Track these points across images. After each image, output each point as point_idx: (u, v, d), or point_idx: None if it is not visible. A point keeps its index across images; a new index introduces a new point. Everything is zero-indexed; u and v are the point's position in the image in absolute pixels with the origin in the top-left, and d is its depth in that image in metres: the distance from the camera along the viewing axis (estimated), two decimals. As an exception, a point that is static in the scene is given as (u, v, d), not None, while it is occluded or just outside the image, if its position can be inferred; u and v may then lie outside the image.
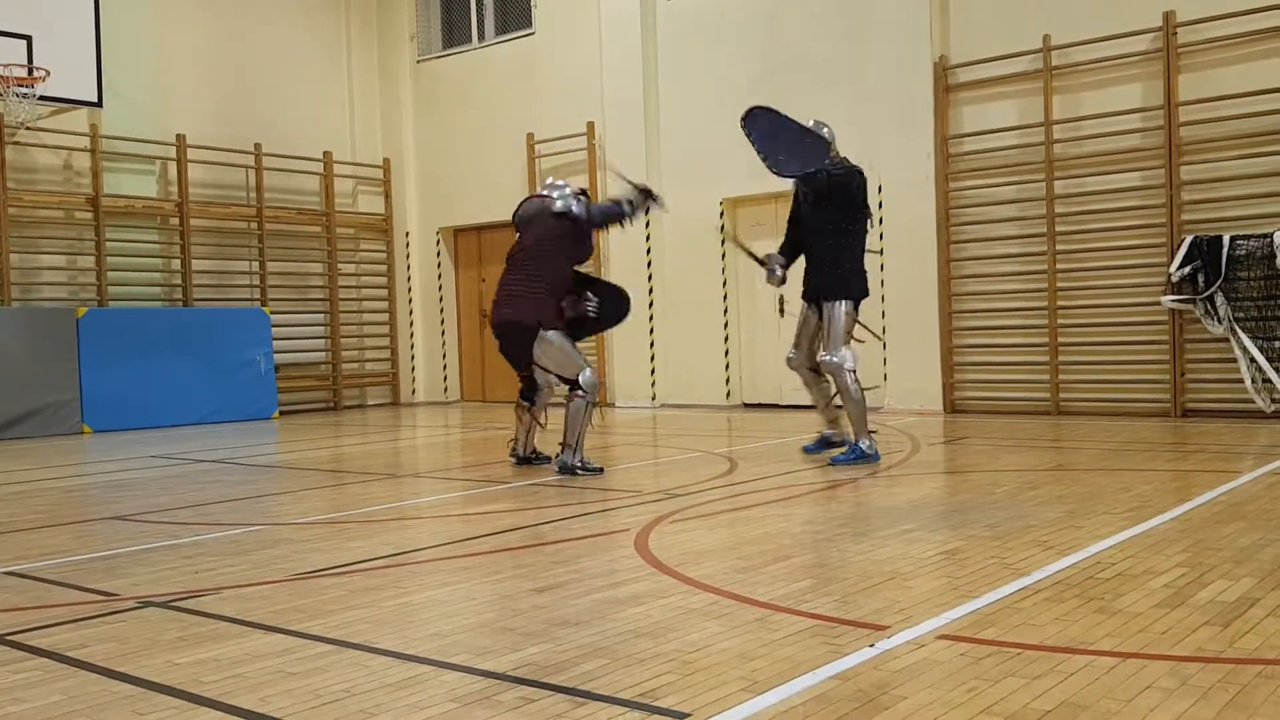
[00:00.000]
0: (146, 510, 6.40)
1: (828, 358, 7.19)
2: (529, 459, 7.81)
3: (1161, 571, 3.99)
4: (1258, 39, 9.37)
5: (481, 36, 15.04)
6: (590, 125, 13.52)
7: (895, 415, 10.82)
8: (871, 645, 3.17)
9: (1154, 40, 9.83)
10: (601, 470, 7.26)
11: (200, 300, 13.48)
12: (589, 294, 7.51)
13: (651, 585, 4.04)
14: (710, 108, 12.60)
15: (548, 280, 7.22)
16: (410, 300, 15.64)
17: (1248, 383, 9.30)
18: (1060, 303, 10.38)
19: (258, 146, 14.05)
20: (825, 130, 7.38)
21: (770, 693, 2.79)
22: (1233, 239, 9.34)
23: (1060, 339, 10.42)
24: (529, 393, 7.68)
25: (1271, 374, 9.20)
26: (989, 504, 5.61)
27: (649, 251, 13.12)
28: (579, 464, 7.19)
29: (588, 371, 7.16)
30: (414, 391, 15.63)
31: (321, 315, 14.82)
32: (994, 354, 10.88)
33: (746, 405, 12.54)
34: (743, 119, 7.13)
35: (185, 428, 12.32)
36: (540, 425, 7.74)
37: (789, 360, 7.68)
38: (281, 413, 13.70)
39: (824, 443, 7.73)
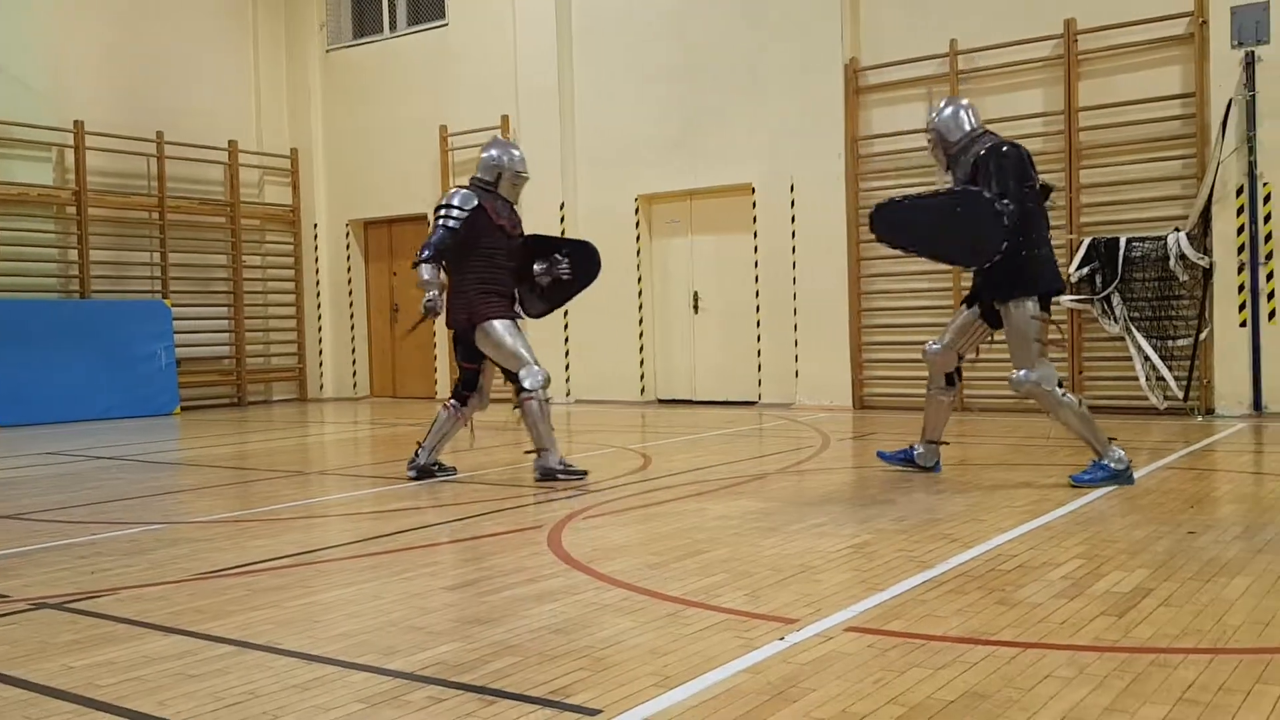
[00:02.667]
0: (40, 509, 6.18)
1: (1020, 375, 5.83)
2: (430, 470, 7.00)
3: (1060, 563, 4.10)
4: (1154, 47, 9.69)
5: (393, 26, 14.83)
6: (505, 118, 13.43)
7: (805, 411, 10.95)
8: (781, 639, 3.20)
9: (1055, 47, 10.09)
10: (585, 473, 6.68)
11: (98, 292, 13.05)
12: (558, 256, 6.95)
13: (563, 582, 4.03)
14: (626, 102, 12.61)
15: (468, 274, 6.68)
16: (318, 294, 15.36)
17: (1142, 380, 9.61)
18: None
19: (159, 135, 13.65)
20: (949, 114, 6.04)
21: (681, 687, 2.80)
22: (1129, 241, 9.65)
23: (965, 337, 10.63)
24: (463, 390, 6.99)
25: (1165, 372, 9.51)
26: (896, 498, 5.70)
27: (562, 247, 13.06)
28: (559, 466, 6.61)
29: (532, 369, 6.61)
30: (321, 387, 15.35)
31: (225, 309, 14.47)
32: (901, 351, 11.07)
33: (661, 401, 12.58)
34: (876, 231, 6.06)
35: (82, 424, 11.92)
36: (470, 441, 7.26)
37: (927, 350, 6.35)
38: (183, 408, 13.35)
39: (906, 456, 6.54)
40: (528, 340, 6.82)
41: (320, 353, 15.39)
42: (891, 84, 10.96)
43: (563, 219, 13.04)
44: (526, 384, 6.61)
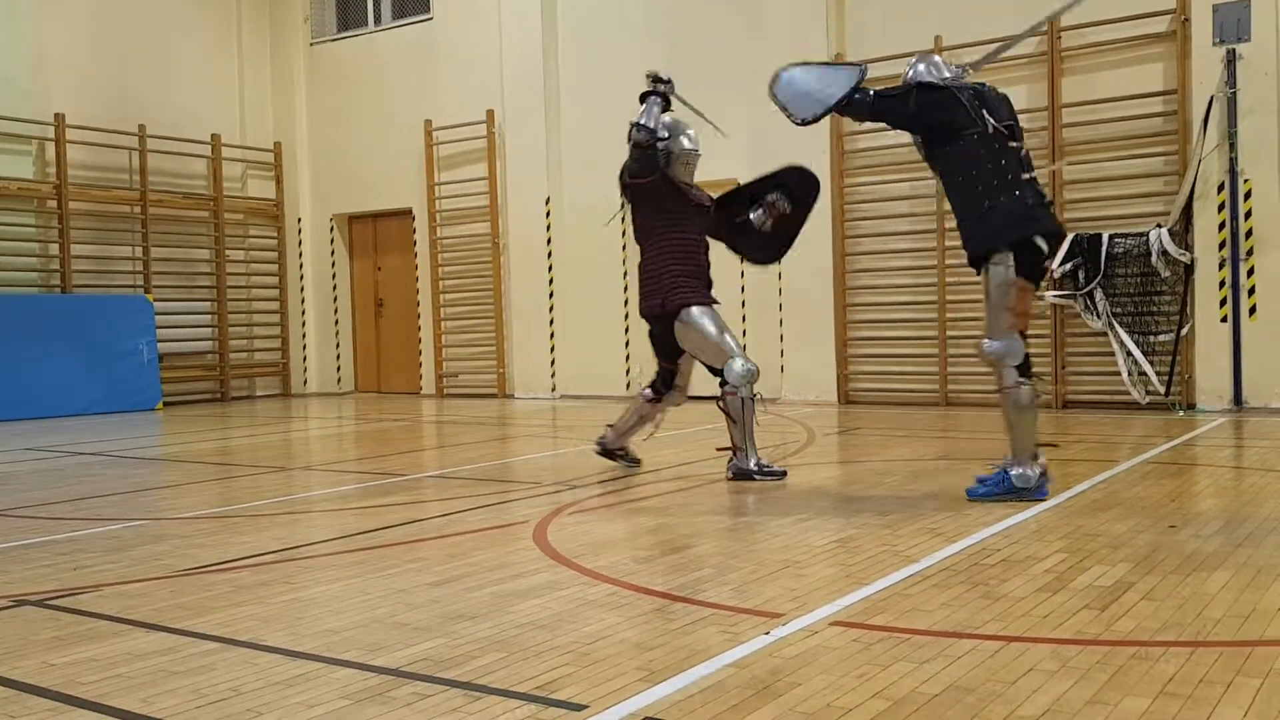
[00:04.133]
0: (21, 505, 6.14)
1: (986, 344, 5.32)
2: (614, 453, 6.81)
3: (1043, 557, 4.12)
4: (1136, 45, 9.73)
5: (378, 20, 14.76)
6: (490, 113, 13.39)
7: (791, 406, 10.97)
8: (767, 633, 3.21)
9: (1039, 44, 10.12)
10: (784, 474, 6.24)
11: (80, 287, 12.96)
12: (769, 195, 6.54)
13: (549, 577, 4.03)
14: (612, 97, 12.54)
15: (665, 254, 6.30)
16: (302, 288, 15.30)
17: (1124, 376, 9.66)
18: (949, 297, 10.63)
19: (142, 128, 13.57)
20: (921, 68, 5.67)
21: (667, 682, 2.81)
22: (1111, 237, 9.69)
23: (949, 332, 10.68)
24: (661, 386, 6.63)
25: (1147, 368, 9.57)
26: (881, 493, 5.72)
27: (549, 241, 13.06)
28: (755, 467, 6.20)
29: (737, 362, 6.14)
30: (305, 382, 15.30)
31: (208, 303, 14.39)
32: (886, 346, 11.11)
33: (644, 396, 12.58)
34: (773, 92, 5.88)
35: (63, 419, 11.85)
36: (653, 429, 6.74)
37: (983, 349, 5.44)
38: (165, 404, 13.28)
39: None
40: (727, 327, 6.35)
41: (304, 347, 15.33)
42: (876, 80, 10.94)
43: (548, 214, 13.02)
44: (731, 379, 6.14)
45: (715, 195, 6.77)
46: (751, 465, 6.21)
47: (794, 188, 6.59)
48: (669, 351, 6.52)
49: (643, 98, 6.58)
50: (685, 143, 6.52)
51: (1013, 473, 5.27)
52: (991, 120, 5.33)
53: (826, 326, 11.22)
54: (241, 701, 2.76)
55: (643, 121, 6.39)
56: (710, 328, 6.23)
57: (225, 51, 14.75)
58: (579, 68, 12.89)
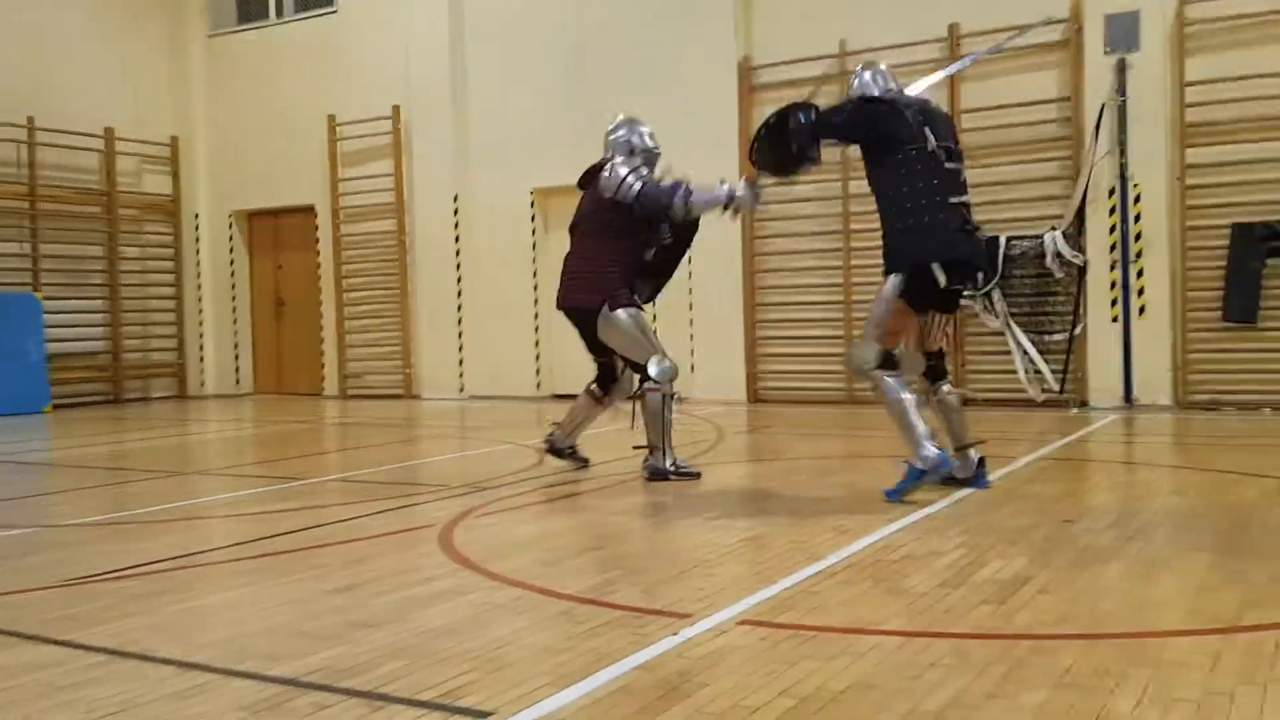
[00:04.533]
0: (-103, 514, 5.86)
1: (850, 353, 5.58)
2: (562, 451, 6.75)
3: (944, 552, 4.20)
4: (1033, 53, 9.99)
5: (279, 12, 14.44)
6: (396, 109, 13.20)
7: (700, 405, 11.03)
8: (675, 634, 3.21)
9: (940, 49, 10.34)
10: (699, 474, 6.24)
11: (-37, 285, 12.44)
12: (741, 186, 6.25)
13: (455, 582, 3.97)
14: (521, 97, 12.50)
15: (610, 259, 6.24)
16: (200, 287, 14.89)
17: (1021, 374, 9.84)
18: (855, 297, 10.79)
19: (30, 120, 13.05)
20: (867, 78, 5.74)
21: (574, 686, 2.79)
22: (1009, 239, 9.87)
23: (855, 332, 10.83)
24: (603, 381, 6.61)
25: (1043, 366, 9.76)
26: (789, 491, 5.78)
27: (457, 239, 12.92)
28: (671, 467, 6.19)
29: (656, 360, 6.13)
30: (203, 384, 14.89)
31: (101, 301, 13.92)
32: (794, 346, 11.23)
33: (557, 396, 12.51)
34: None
35: (-55, 423, 11.35)
36: (631, 422, 6.55)
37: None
38: (55, 406, 12.80)
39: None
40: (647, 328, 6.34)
41: (201, 348, 14.92)
42: (784, 83, 11.05)
43: (456, 212, 12.88)
44: (655, 376, 6.12)
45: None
46: (667, 464, 6.20)
47: (766, 147, 6.22)
48: (599, 347, 6.47)
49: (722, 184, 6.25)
50: (648, 140, 6.50)
51: (914, 463, 5.34)
52: (932, 138, 5.36)
53: (736, 326, 11.31)
54: (133, 715, 2.67)
55: (691, 195, 6.16)
56: (634, 326, 6.23)
57: (119, 41, 14.26)
58: (488, 64, 12.78)
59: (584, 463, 6.80)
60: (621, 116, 6.64)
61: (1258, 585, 3.61)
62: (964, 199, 5.49)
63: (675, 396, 6.30)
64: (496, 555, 4.40)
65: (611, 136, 6.52)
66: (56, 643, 3.31)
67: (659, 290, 6.71)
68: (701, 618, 3.37)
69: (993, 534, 4.53)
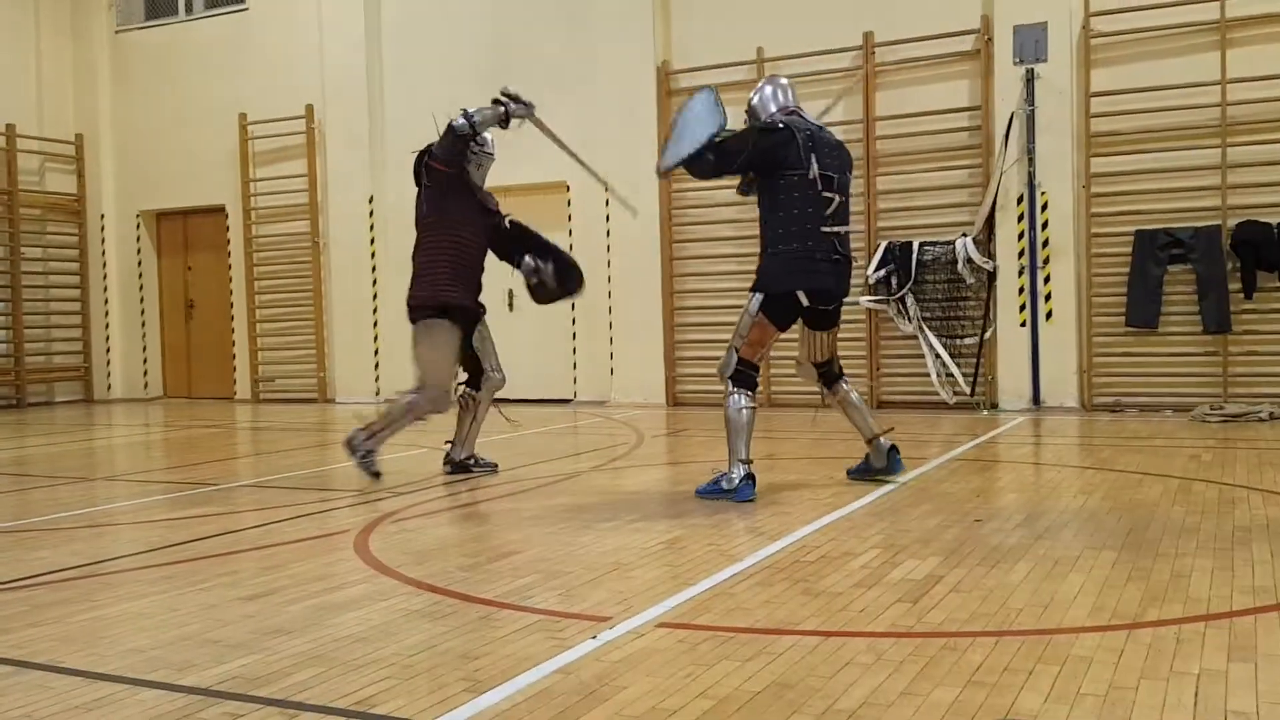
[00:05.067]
0: None
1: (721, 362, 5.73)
2: (467, 466, 6.72)
3: (859, 553, 4.27)
4: (945, 62, 10.21)
5: (189, 9, 14.11)
6: (309, 108, 12.99)
7: (619, 408, 11.04)
8: (594, 637, 3.21)
9: (855, 58, 10.50)
10: (379, 475, 6.39)
11: None
12: (539, 262, 6.57)
13: (371, 588, 3.92)
14: (438, 97, 12.20)
15: (438, 249, 6.33)
16: (106, 288, 14.48)
17: (933, 377, 10.11)
18: (771, 301, 10.90)
19: (-76, 115, 12.60)
20: (767, 92, 5.86)
21: (492, 691, 2.77)
22: (922, 245, 10.14)
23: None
24: (475, 382, 6.68)
25: (954, 369, 10.04)
26: (705, 494, 5.80)
27: (373, 241, 12.76)
28: (363, 451, 6.35)
29: (432, 392, 6.24)
30: (110, 387, 14.48)
31: (2, 304, 13.46)
32: (713, 349, 11.28)
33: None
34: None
35: None
36: (507, 420, 6.72)
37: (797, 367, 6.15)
38: (-47, 411, 12.35)
39: (865, 468, 6.08)
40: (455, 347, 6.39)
41: (108, 351, 14.51)
42: (702, 87, 11.14)
43: (371, 213, 12.72)
44: (423, 399, 6.27)
45: (512, 218, 6.76)
46: (364, 444, 6.35)
47: (561, 271, 6.65)
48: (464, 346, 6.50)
49: (493, 101, 6.44)
50: (485, 145, 6.55)
51: (722, 478, 5.56)
52: (815, 166, 5.46)
53: (655, 329, 11.34)
54: (34, 731, 2.58)
55: (470, 113, 6.31)
56: (441, 344, 6.28)
57: (21, 36, 13.82)
58: (403, 63, 12.65)
59: (493, 467, 6.78)
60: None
61: (1160, 582, 3.73)
62: (839, 229, 5.59)
63: (421, 417, 6.39)
64: (412, 560, 4.35)
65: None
66: (-47, 656, 3.20)
67: (548, 302, 6.82)
68: (620, 621, 3.38)
69: (906, 534, 4.61)
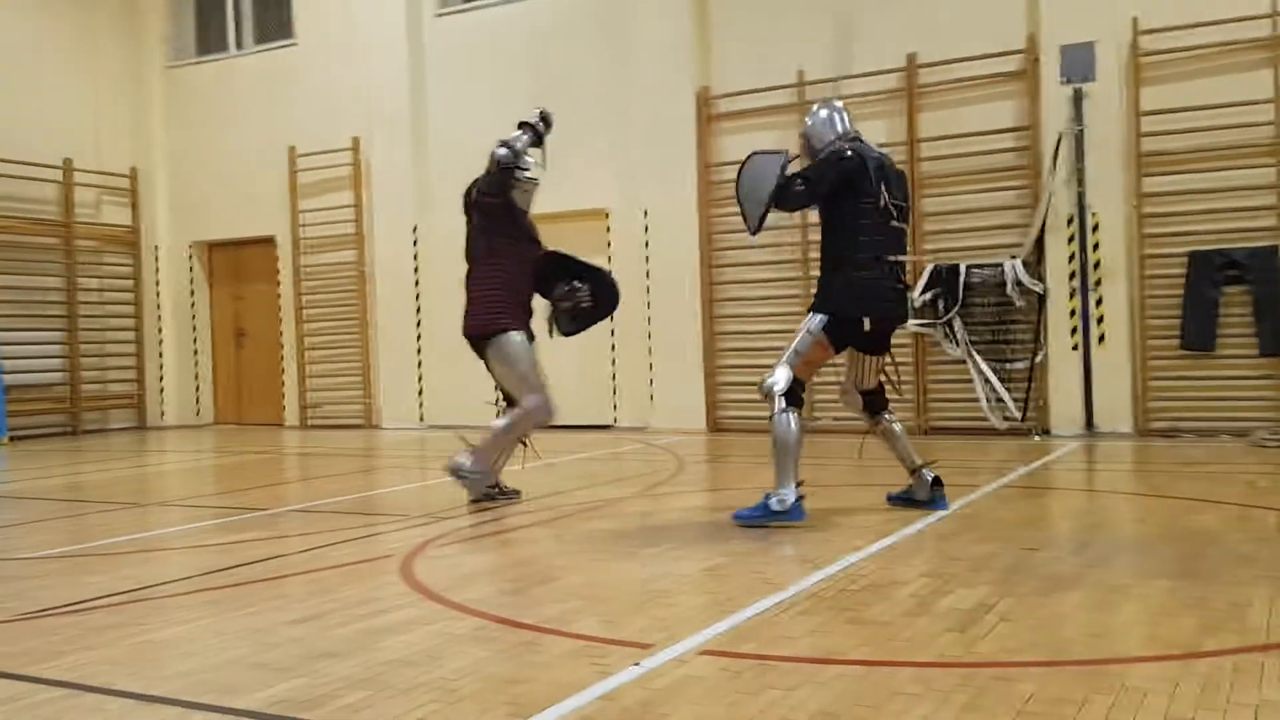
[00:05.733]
0: None
1: (766, 378, 5.66)
2: (491, 495, 6.60)
3: (907, 581, 4.21)
4: (991, 82, 10.14)
5: (239, 45, 14.40)
6: (356, 140, 13.18)
7: (660, 434, 11.02)
8: (637, 664, 3.19)
9: (898, 79, 10.47)
10: (518, 493, 6.42)
11: (-85, 315, 12.23)
12: (577, 283, 6.44)
13: (416, 612, 3.93)
14: (481, 127, 12.40)
15: (491, 278, 6.36)
16: (160, 318, 14.74)
17: (982, 402, 10.00)
18: (816, 326, 10.84)
19: (-13, 150, 12.92)
20: (823, 116, 5.85)
21: (536, 717, 2.76)
22: (969, 267, 10.05)
23: (816, 360, 10.89)
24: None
25: (1004, 394, 9.92)
26: (750, 520, 5.76)
27: (417, 270, 12.89)
28: (477, 471, 6.30)
29: (534, 398, 6.26)
30: (163, 414, 14.71)
31: (59, 333, 13.73)
32: (753, 375, 11.22)
33: (517, 426, 12.48)
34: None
35: (-105, 456, 11.13)
36: (532, 458, 6.72)
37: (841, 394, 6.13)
38: (12, 438, 12.60)
39: (907, 497, 5.97)
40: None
41: (161, 379, 14.75)
42: (742, 112, 11.17)
43: (416, 243, 12.86)
44: (529, 407, 6.26)
45: (550, 250, 6.71)
46: (473, 465, 6.28)
47: (601, 292, 6.56)
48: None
49: (520, 125, 6.54)
50: (529, 170, 6.60)
51: (771, 499, 5.45)
52: (885, 195, 5.51)
53: (695, 355, 11.33)
54: (84, 754, 2.61)
55: (510, 141, 6.43)
56: (521, 358, 6.31)
57: (78, 73, 14.16)
58: (447, 96, 12.80)
59: (515, 494, 6.72)
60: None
61: (1217, 611, 3.64)
62: (902, 258, 5.66)
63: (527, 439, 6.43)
64: (457, 585, 4.36)
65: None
66: (13, 677, 3.25)
67: (578, 332, 6.72)
68: (663, 648, 3.35)
69: (955, 562, 4.54)
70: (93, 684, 3.16)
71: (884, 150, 5.86)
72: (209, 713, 2.88)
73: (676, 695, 2.91)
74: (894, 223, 5.57)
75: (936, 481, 5.82)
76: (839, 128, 5.79)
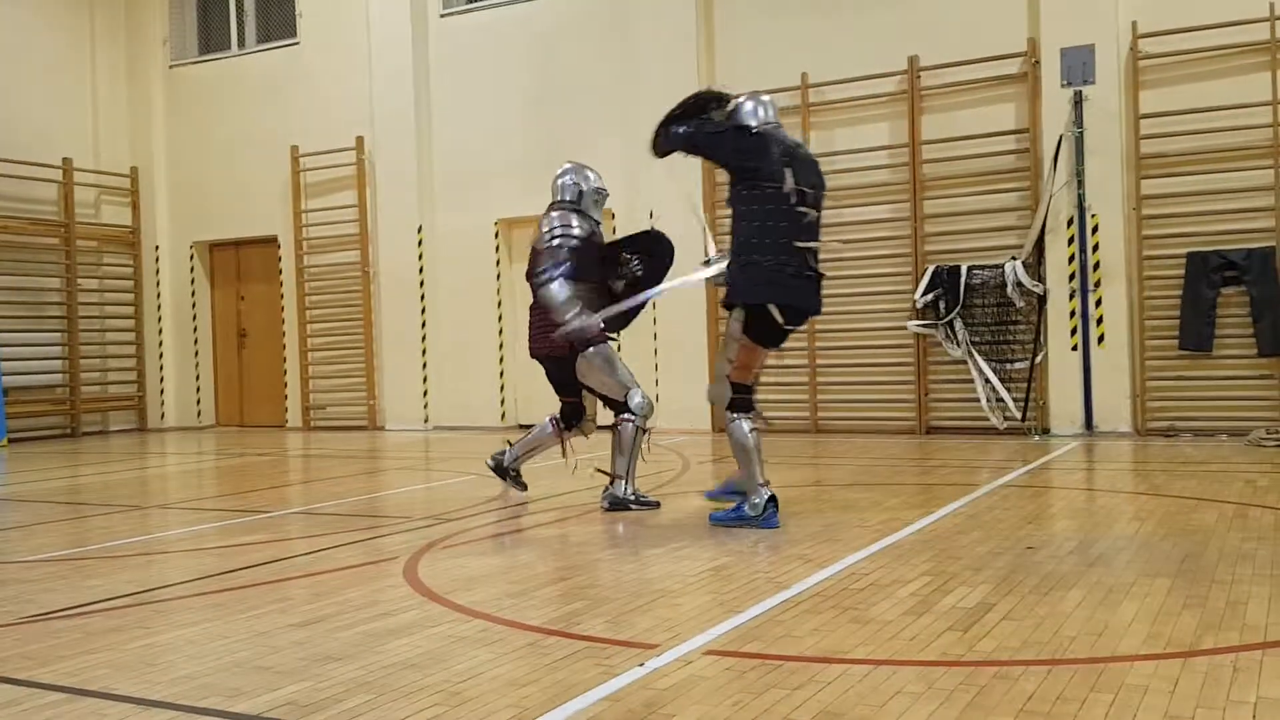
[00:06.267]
0: None
1: (708, 387, 5.81)
2: (505, 471, 6.83)
3: (909, 580, 4.22)
4: (991, 85, 10.15)
5: (241, 44, 14.41)
6: (359, 139, 13.19)
7: (665, 434, 11.02)
8: (641, 664, 3.20)
9: (900, 82, 10.49)
10: (658, 504, 6.33)
11: (-84, 317, 12.24)
12: (625, 255, 6.51)
13: (420, 614, 3.94)
14: (485, 127, 12.54)
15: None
16: (160, 318, 14.75)
17: (983, 402, 10.01)
18: (818, 326, 10.85)
19: (-14, 151, 12.94)
20: (748, 108, 5.75)
21: (541, 719, 2.77)
22: (970, 269, 10.06)
23: (818, 361, 10.92)
24: (569, 420, 6.69)
25: (1004, 394, 9.93)
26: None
27: (421, 270, 12.89)
28: (632, 497, 6.26)
29: (637, 393, 6.33)
30: (163, 416, 14.71)
31: (58, 334, 13.75)
32: (760, 375, 11.26)
33: (522, 426, 12.48)
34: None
35: (-103, 458, 11.14)
36: (570, 465, 6.81)
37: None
38: (10, 440, 12.61)
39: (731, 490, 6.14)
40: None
41: (161, 380, 14.76)
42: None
43: (420, 243, 12.86)
44: (633, 409, 6.29)
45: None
46: (628, 494, 6.27)
47: (651, 256, 6.57)
48: (568, 387, 6.56)
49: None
50: (595, 180, 6.65)
51: (744, 506, 5.51)
52: (790, 179, 5.42)
53: (700, 354, 11.33)
54: (90, 755, 2.62)
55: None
56: (610, 363, 6.39)
57: (77, 72, 14.18)
58: (451, 95, 12.82)
59: (523, 488, 6.88)
60: (569, 163, 6.75)
61: (1216, 609, 3.66)
62: (811, 244, 5.52)
63: (648, 431, 6.42)
64: (461, 587, 4.37)
65: (559, 181, 6.62)
66: (13, 682, 3.25)
67: (629, 320, 6.72)
68: (668, 648, 3.37)
69: (957, 562, 4.55)
70: (93, 688, 3.17)
71: (800, 141, 5.81)
72: (211, 717, 2.89)
73: (681, 695, 2.92)
74: (801, 208, 5.45)
75: (771, 498, 5.66)
76: (761, 115, 5.69)
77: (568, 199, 6.53)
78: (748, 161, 5.48)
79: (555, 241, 6.30)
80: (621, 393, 6.34)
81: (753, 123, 5.64)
